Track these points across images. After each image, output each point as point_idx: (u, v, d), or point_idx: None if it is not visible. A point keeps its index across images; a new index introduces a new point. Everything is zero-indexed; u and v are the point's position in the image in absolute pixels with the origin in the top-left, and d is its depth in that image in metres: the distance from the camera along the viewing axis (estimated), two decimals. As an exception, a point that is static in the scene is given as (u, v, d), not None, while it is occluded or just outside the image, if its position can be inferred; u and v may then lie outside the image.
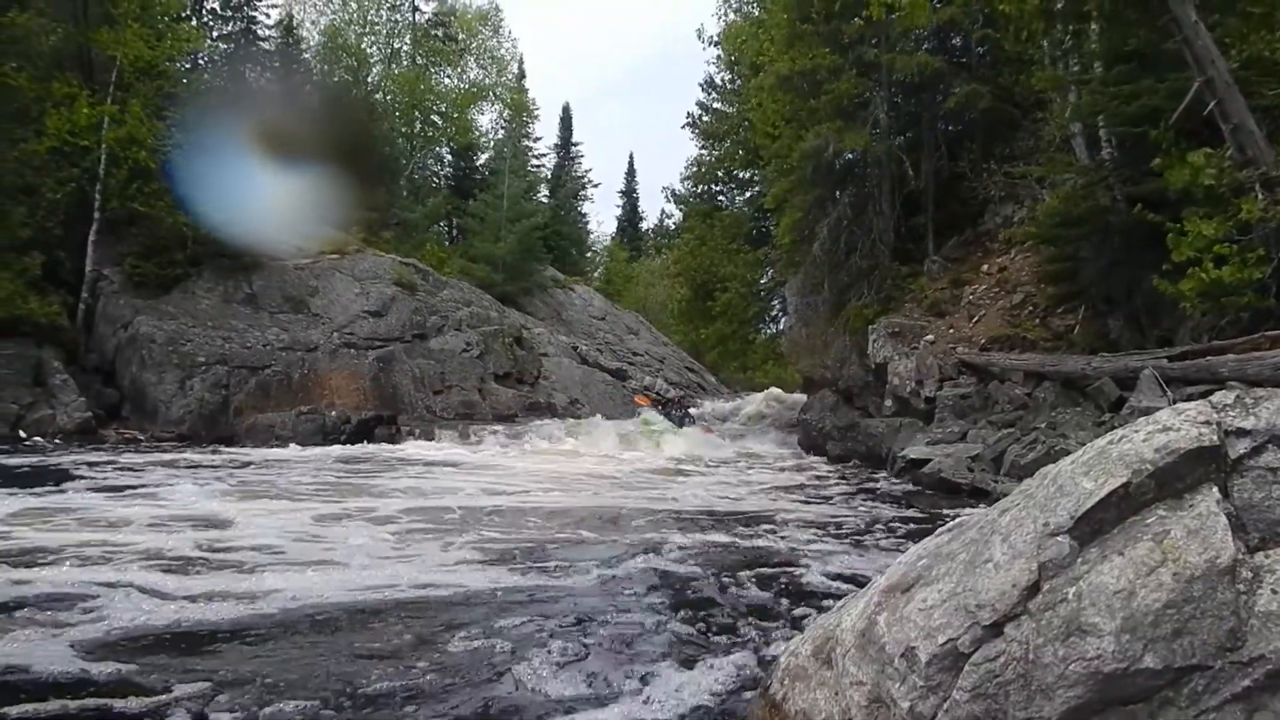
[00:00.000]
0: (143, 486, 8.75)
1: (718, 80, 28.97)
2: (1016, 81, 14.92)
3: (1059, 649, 1.99)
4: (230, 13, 31.17)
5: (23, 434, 14.55)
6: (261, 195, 17.01)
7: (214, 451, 13.90)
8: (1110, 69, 11.26)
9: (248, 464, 11.73)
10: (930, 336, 13.89)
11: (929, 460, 10.91)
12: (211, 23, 30.64)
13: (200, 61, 26.47)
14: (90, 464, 10.66)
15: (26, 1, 18.17)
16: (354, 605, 4.45)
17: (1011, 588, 2.11)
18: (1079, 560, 2.10)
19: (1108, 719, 1.96)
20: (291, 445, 15.23)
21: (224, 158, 16.78)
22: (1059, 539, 2.14)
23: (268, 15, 32.14)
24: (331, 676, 3.38)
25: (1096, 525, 2.15)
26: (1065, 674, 1.97)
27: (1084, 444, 2.47)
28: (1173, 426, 2.25)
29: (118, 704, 3.08)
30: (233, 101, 18.86)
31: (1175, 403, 3.78)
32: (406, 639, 3.90)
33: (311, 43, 37.07)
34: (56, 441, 14.48)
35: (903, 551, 2.79)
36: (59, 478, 9.26)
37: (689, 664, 3.54)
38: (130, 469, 10.45)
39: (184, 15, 25.23)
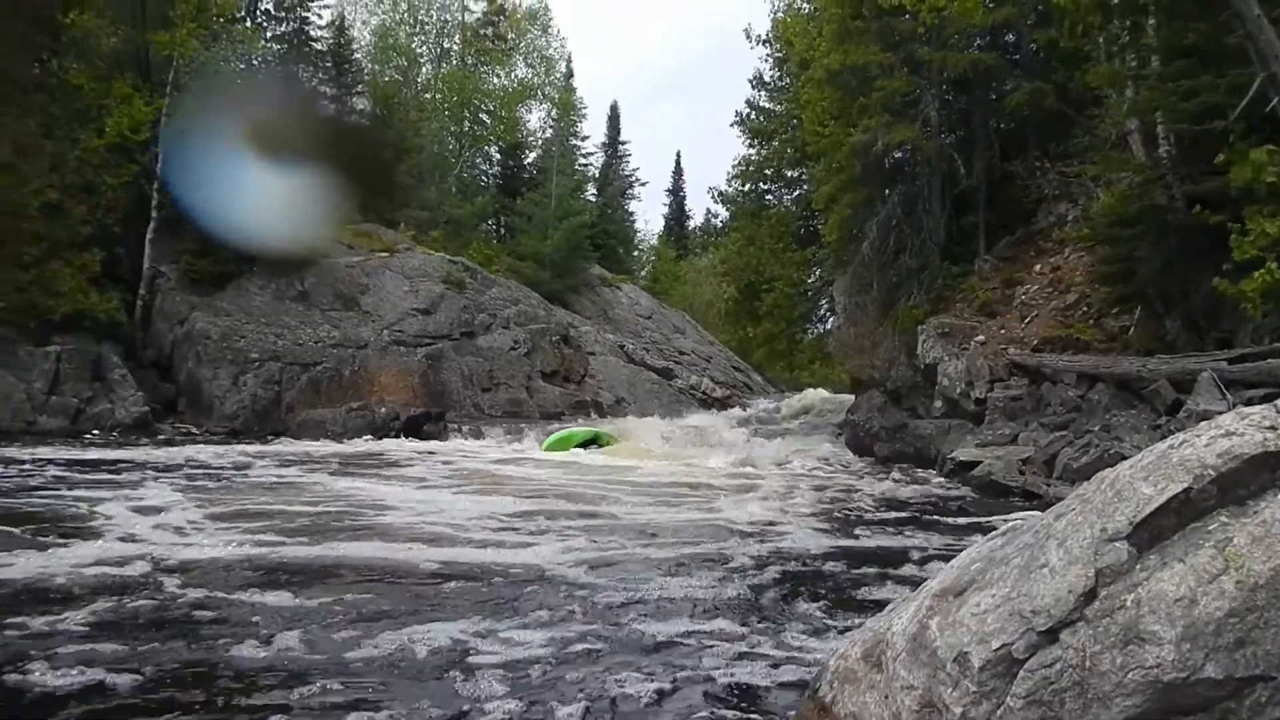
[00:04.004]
0: None
1: (767, 77, 28.81)
2: (1071, 78, 14.66)
3: (1117, 657, 1.96)
4: (283, 13, 31.67)
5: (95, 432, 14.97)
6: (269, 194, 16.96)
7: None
8: (1169, 64, 11.02)
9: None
10: (981, 337, 13.71)
11: (979, 462, 10.78)
12: (265, 23, 31.15)
13: (254, 62, 26.90)
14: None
15: (87, 3, 18.63)
16: None
17: (1068, 594, 2.08)
18: (1138, 567, 2.06)
19: (1168, 729, 1.93)
20: (323, 440, 15.55)
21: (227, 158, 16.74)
22: (1117, 545, 2.10)
23: (319, 16, 32.60)
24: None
25: (1156, 531, 2.11)
26: (1123, 682, 1.94)
27: (1140, 447, 2.43)
28: (1236, 431, 2.20)
29: None
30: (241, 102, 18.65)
31: (1235, 406, 3.69)
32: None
33: (362, 42, 37.60)
34: (114, 435, 14.85)
35: (951, 555, 2.76)
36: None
37: (734, 664, 3.54)
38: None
39: (238, 16, 25.70)
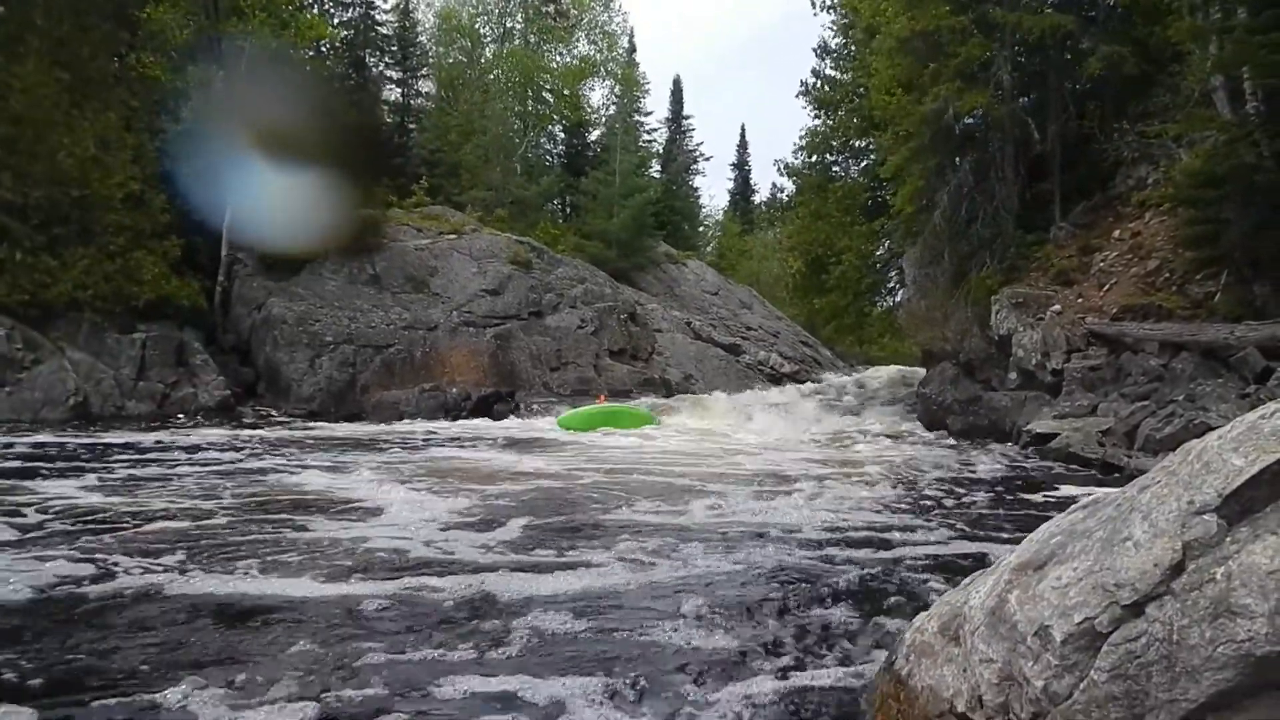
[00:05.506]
0: None
1: (832, 45, 28.32)
2: (1151, 34, 14.12)
3: (1206, 630, 1.91)
4: (349, -1, 32.21)
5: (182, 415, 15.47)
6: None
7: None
8: (1257, 15, 10.56)
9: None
10: (1057, 306, 13.38)
11: (1056, 434, 10.55)
12: (332, 10, 31.69)
13: (323, 49, 27.36)
14: None
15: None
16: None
17: (1154, 567, 2.03)
18: (1228, 540, 2.00)
19: (1260, 703, 1.87)
20: (406, 420, 15.86)
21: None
22: (1205, 517, 2.04)
23: (385, 0, 33.06)
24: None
25: (1247, 504, 2.04)
26: (1213, 656, 1.89)
27: (1227, 418, 2.35)
28: (1332, 398, 2.12)
29: None
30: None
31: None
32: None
33: (427, 25, 37.96)
34: (199, 419, 15.34)
35: (1028, 529, 2.71)
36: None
37: (810, 638, 3.53)
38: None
39: (307, 4, 26.17)
